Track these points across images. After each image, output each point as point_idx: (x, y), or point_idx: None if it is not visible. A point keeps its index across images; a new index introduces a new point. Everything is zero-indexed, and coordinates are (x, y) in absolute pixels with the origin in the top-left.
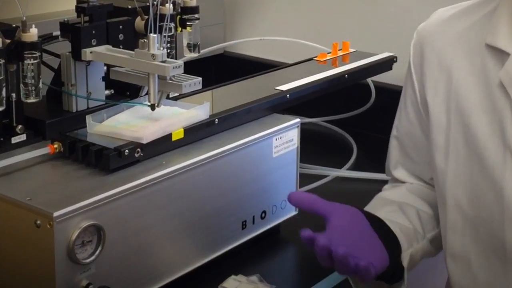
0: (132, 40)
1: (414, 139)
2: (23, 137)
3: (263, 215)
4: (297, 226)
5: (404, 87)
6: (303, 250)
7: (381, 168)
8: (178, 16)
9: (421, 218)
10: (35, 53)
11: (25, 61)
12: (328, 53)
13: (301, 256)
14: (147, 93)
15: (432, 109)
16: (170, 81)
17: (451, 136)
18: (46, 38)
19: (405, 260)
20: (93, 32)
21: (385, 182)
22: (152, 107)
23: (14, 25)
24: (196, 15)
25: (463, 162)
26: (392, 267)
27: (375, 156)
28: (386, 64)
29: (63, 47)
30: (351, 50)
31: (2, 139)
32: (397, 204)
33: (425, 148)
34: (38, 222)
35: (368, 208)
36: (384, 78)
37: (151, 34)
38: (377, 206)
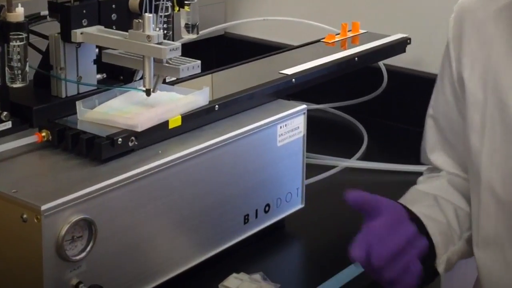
0: (126, 20)
1: (450, 120)
2: (8, 124)
3: (266, 208)
4: (303, 220)
5: (441, 65)
6: (309, 246)
7: (393, 158)
8: None
9: (458, 216)
10: (22, 34)
11: (11, 43)
12: (337, 34)
13: (307, 253)
14: (141, 78)
15: (468, 86)
16: (167, 65)
17: (487, 114)
18: (33, 18)
19: (441, 266)
20: (84, 11)
21: (397, 173)
22: (147, 92)
23: None
24: None
25: (499, 142)
26: (425, 272)
27: (387, 145)
28: (399, 46)
29: (52, 28)
30: (362, 31)
31: None
32: (434, 198)
33: (462, 131)
34: (25, 216)
35: (403, 201)
36: (397, 61)
37: (146, 13)
38: (413, 200)
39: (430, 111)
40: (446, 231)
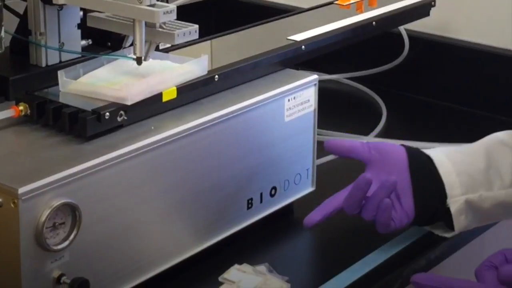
0: None
1: None
2: None
3: (273, 192)
4: (313, 205)
5: None
6: (321, 234)
7: (416, 135)
8: None
9: None
10: None
11: None
12: None
13: (318, 242)
14: (132, 44)
15: None
16: (160, 30)
17: None
18: None
19: (454, 205)
20: None
21: None
22: (138, 60)
23: None
24: None
25: None
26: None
27: (408, 120)
28: (422, 9)
29: None
30: None
31: None
32: (490, 145)
33: None
34: (0, 200)
35: (448, 147)
36: (419, 26)
37: None
38: (456, 147)
39: None
40: (475, 174)
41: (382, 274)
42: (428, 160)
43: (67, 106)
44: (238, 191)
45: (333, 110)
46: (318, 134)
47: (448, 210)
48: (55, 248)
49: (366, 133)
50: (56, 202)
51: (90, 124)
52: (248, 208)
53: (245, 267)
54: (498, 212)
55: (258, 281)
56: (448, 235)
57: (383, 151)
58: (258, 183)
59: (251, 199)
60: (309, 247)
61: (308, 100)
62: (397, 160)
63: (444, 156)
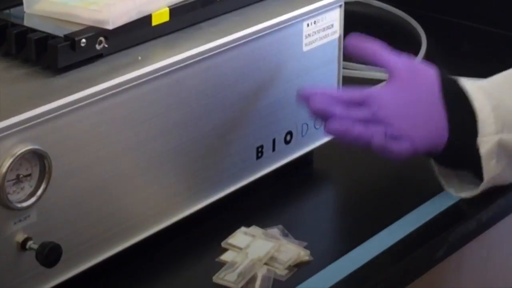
0: None
1: None
2: None
3: (288, 137)
4: (337, 154)
5: None
6: (345, 190)
7: (460, 67)
8: None
9: None
10: None
11: None
12: None
13: (342, 199)
14: None
15: None
16: None
17: None
18: None
19: (485, 145)
20: None
21: None
22: None
23: None
24: None
25: None
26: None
27: (452, 50)
28: None
29: None
30: None
31: None
32: None
33: None
34: None
35: (482, 79)
36: None
37: None
38: (492, 78)
39: None
40: (508, 112)
41: (423, 238)
42: (460, 89)
43: (33, 30)
44: (245, 136)
45: None
46: (343, 68)
47: (477, 152)
48: (19, 205)
49: None
50: (20, 149)
51: (62, 53)
52: (258, 157)
53: (254, 230)
54: None
55: (270, 247)
56: (464, 194)
57: (413, 65)
58: (270, 127)
59: (261, 146)
60: (333, 206)
61: (332, 25)
62: (428, 81)
63: (477, 87)
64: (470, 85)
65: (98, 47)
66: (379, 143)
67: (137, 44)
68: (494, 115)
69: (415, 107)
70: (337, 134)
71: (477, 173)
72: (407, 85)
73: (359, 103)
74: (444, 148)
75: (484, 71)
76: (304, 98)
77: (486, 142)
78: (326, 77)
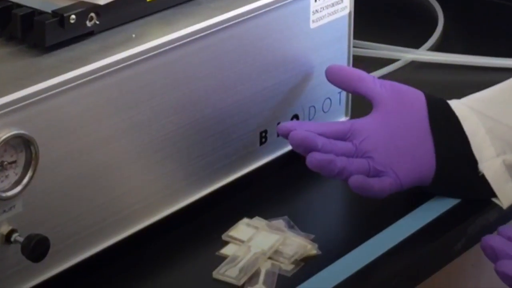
0: None
1: None
2: None
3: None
4: None
5: None
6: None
7: (479, 49)
8: None
9: None
10: None
11: None
12: None
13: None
14: None
15: None
16: None
17: None
18: None
19: (489, 170)
20: None
21: (484, 69)
22: None
23: None
24: None
25: None
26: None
27: (471, 28)
28: None
29: None
30: None
31: None
32: None
33: None
34: None
35: (472, 95)
36: None
37: None
38: (486, 93)
39: None
40: (508, 131)
41: (439, 232)
42: (451, 112)
43: (19, 6)
44: (248, 120)
45: (374, 15)
46: (354, 47)
47: (484, 178)
48: (4, 195)
49: (416, 45)
50: (4, 134)
51: (49, 30)
52: (262, 143)
53: (258, 221)
54: None
55: (275, 239)
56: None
57: (398, 91)
58: (275, 110)
59: (265, 131)
60: (342, 197)
61: (342, 1)
62: (415, 108)
63: (469, 108)
64: (461, 107)
65: (88, 23)
66: (358, 181)
67: (131, 21)
68: (490, 137)
69: (399, 139)
70: (319, 167)
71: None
72: (391, 115)
73: (342, 136)
74: (433, 180)
75: (504, 51)
76: (284, 132)
77: (488, 167)
78: (335, 56)
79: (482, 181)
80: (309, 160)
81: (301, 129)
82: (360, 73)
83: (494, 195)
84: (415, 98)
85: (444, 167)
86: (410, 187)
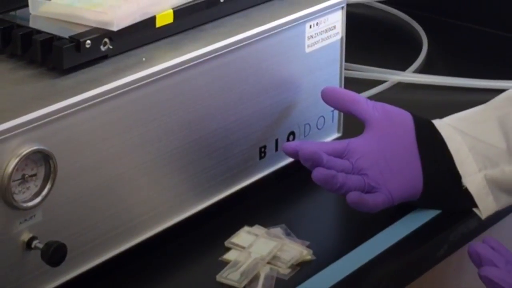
0: None
1: None
2: None
3: (290, 138)
4: None
5: None
6: None
7: (463, 70)
8: None
9: None
10: None
11: None
12: None
13: (345, 200)
14: None
15: None
16: None
17: None
18: None
19: (473, 184)
20: None
21: (467, 90)
22: None
23: None
24: None
25: None
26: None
27: (454, 52)
28: None
29: None
30: None
31: None
32: (503, 111)
33: None
34: None
35: (454, 115)
36: None
37: None
38: (466, 113)
39: None
40: (490, 149)
41: (424, 239)
42: (436, 132)
43: (39, 32)
44: (248, 136)
45: (363, 40)
46: (345, 69)
47: (467, 191)
48: (25, 205)
49: (403, 68)
50: (26, 150)
51: (67, 54)
52: (261, 157)
53: (257, 229)
54: None
55: (273, 246)
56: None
57: (388, 112)
58: (273, 128)
59: (264, 146)
60: (335, 206)
61: (334, 27)
62: (404, 128)
63: (452, 128)
64: (445, 127)
65: (103, 48)
66: (355, 197)
67: (142, 46)
68: (472, 154)
69: (391, 158)
70: (323, 180)
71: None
72: (383, 136)
73: (340, 155)
74: (421, 195)
75: (485, 73)
76: (291, 151)
77: (472, 181)
78: (328, 78)
79: (465, 194)
80: (315, 174)
81: (309, 144)
82: (353, 95)
83: (476, 207)
84: (404, 120)
85: (431, 183)
86: (400, 202)
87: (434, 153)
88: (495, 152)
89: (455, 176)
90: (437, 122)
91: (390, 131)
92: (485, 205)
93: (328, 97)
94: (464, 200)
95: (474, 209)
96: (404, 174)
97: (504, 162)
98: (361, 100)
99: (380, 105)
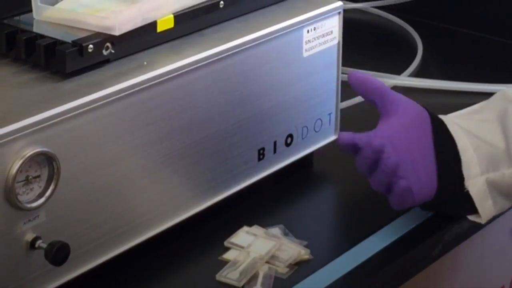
0: None
1: None
2: None
3: (288, 140)
4: (336, 156)
5: None
6: (344, 191)
7: (456, 74)
8: None
9: None
10: None
11: None
12: None
13: (342, 200)
14: None
15: None
16: None
17: None
18: None
19: (474, 187)
20: None
21: (461, 94)
22: None
23: None
24: None
25: None
26: (454, 196)
27: (448, 56)
28: None
29: None
30: None
31: None
32: (502, 110)
33: None
34: None
35: (458, 112)
36: None
37: None
38: (468, 111)
39: None
40: (492, 150)
41: (419, 239)
42: (447, 130)
43: (42, 36)
44: (247, 139)
45: (360, 45)
46: (342, 73)
47: (468, 194)
48: (29, 206)
49: (398, 72)
50: (29, 151)
51: (70, 58)
52: (260, 159)
53: (256, 229)
54: None
55: (272, 245)
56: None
57: (409, 109)
58: (272, 130)
59: (263, 148)
60: (332, 206)
61: (331, 32)
62: (422, 124)
63: (457, 126)
64: (454, 126)
65: (105, 52)
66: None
67: (143, 50)
68: (477, 155)
69: (415, 153)
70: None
71: (472, 211)
72: (402, 128)
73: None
74: (435, 196)
75: (477, 77)
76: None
77: (473, 184)
78: (325, 81)
79: (466, 197)
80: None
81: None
82: (381, 84)
83: (475, 212)
84: (424, 115)
85: (444, 185)
86: (417, 204)
87: (447, 153)
88: (497, 153)
89: (460, 178)
90: (446, 120)
91: (410, 130)
92: (485, 209)
93: (356, 82)
94: (464, 203)
95: (470, 217)
96: (421, 174)
97: (504, 164)
98: (388, 90)
99: (400, 97)
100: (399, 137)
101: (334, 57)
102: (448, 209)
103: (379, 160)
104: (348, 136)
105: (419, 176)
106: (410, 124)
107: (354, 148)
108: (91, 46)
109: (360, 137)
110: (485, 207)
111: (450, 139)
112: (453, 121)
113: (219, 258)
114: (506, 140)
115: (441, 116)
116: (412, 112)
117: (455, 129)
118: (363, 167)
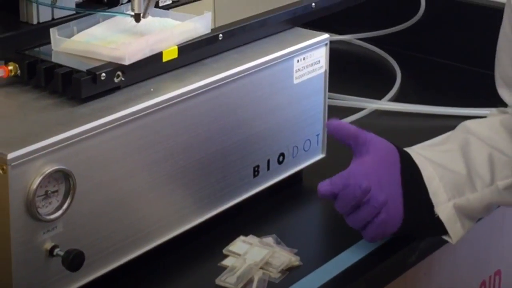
0: None
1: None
2: None
3: (280, 158)
4: (324, 172)
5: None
6: (331, 204)
7: (432, 99)
8: None
9: (493, 162)
10: None
11: None
12: None
13: (329, 212)
14: (129, 0)
15: None
16: None
17: None
18: None
19: (443, 212)
20: None
21: (437, 117)
22: (137, 17)
23: None
24: None
25: None
26: (426, 222)
27: (424, 83)
28: None
29: None
30: None
31: None
32: (463, 141)
33: None
34: None
35: (423, 144)
36: None
37: None
38: (431, 143)
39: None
40: (456, 177)
41: (397, 247)
42: (413, 162)
43: (60, 66)
44: (243, 157)
45: (345, 73)
46: (329, 98)
47: (438, 219)
48: (48, 218)
49: (379, 97)
50: (48, 169)
51: (84, 85)
52: (255, 176)
53: (251, 238)
54: (483, 212)
55: (265, 253)
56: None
57: (379, 148)
58: (265, 149)
59: (258, 166)
60: (320, 218)
61: (319, 61)
62: (392, 162)
63: (422, 157)
64: (419, 157)
65: (116, 80)
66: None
67: (150, 78)
68: (443, 183)
69: (386, 188)
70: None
71: (442, 234)
72: (374, 166)
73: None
74: (402, 225)
75: (451, 101)
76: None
77: (443, 210)
78: (314, 106)
79: (437, 222)
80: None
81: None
82: (356, 129)
83: (446, 233)
84: (392, 154)
85: (410, 215)
86: (388, 234)
87: (413, 184)
88: (460, 179)
89: (429, 205)
90: (411, 152)
91: (381, 169)
92: (455, 231)
93: (334, 130)
94: (435, 227)
95: (444, 237)
96: (390, 205)
97: (468, 190)
98: (362, 133)
99: (370, 137)
100: (371, 172)
101: (322, 84)
102: (418, 234)
103: (369, 199)
104: (325, 187)
105: (389, 207)
106: (381, 160)
107: (333, 195)
108: (103, 74)
109: (336, 185)
110: (455, 230)
111: (416, 170)
112: (418, 152)
113: (218, 264)
114: (467, 168)
115: (407, 149)
116: (382, 150)
117: (421, 160)
118: (347, 208)
